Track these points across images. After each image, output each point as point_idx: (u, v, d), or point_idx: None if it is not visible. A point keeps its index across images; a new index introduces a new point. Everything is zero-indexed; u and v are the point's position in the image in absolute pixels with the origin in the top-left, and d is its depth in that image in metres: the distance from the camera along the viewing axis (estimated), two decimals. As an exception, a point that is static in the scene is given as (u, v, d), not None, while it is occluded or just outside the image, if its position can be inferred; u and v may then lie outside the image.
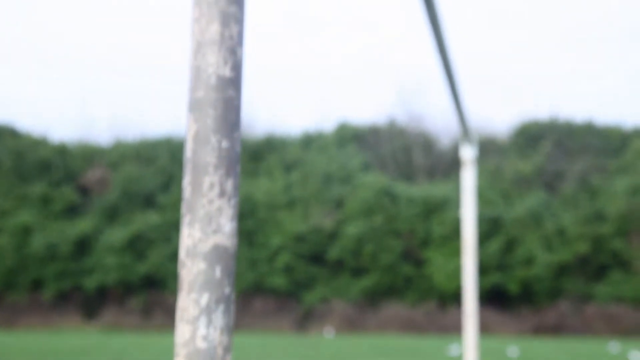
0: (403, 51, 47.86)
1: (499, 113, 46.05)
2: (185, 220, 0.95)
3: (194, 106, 0.96)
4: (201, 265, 0.93)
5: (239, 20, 0.99)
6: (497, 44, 47.48)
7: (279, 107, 46.42)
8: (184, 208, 0.95)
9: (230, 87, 0.97)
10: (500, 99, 44.64)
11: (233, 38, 0.98)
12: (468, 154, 5.38)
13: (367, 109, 47.51)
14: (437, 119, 34.00)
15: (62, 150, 34.06)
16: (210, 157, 0.95)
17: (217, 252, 0.94)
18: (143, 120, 48.95)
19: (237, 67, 0.98)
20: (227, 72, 0.97)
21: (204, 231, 0.94)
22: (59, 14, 48.98)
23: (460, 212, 5.91)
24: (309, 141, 33.51)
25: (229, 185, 0.96)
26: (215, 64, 0.96)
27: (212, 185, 0.94)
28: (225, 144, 0.95)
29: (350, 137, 33.31)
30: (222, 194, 0.95)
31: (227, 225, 0.95)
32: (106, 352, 15.78)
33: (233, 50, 0.98)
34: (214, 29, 0.97)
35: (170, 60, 50.36)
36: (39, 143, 34.25)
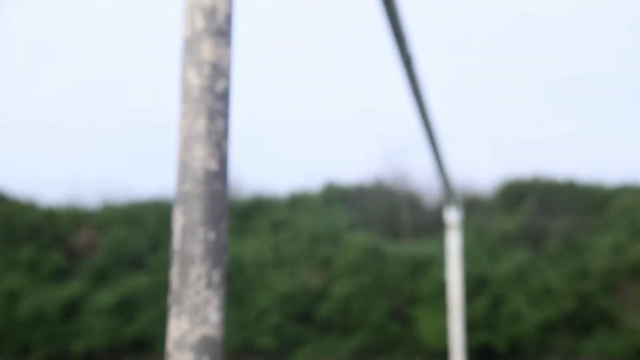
0: (389, 110, 48.59)
1: (483, 172, 46.65)
2: (173, 312, 0.98)
3: (181, 199, 1.01)
4: (188, 356, 0.96)
5: (225, 115, 1.06)
6: (478, 103, 48.32)
7: (266, 167, 46.87)
8: (171, 299, 0.99)
9: (217, 180, 1.00)
10: (483, 159, 45.28)
11: (219, 132, 1.04)
12: (453, 217, 5.70)
13: (354, 169, 48.00)
14: (423, 178, 34.48)
15: (50, 215, 34.21)
16: (197, 249, 0.99)
17: (204, 343, 0.96)
18: (131, 182, 49.23)
19: (223, 160, 1.03)
20: (213, 165, 1.01)
21: (192, 322, 0.97)
22: (44, 78, 49.54)
23: (446, 274, 6.14)
24: (296, 201, 33.86)
25: (216, 276, 0.98)
26: (201, 158, 1.02)
27: (199, 277, 0.98)
28: (211, 235, 0.99)
29: (337, 196, 33.70)
30: (209, 284, 0.98)
31: (214, 316, 0.98)
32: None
33: (219, 144, 1.03)
34: (201, 123, 1.04)
35: (157, 121, 50.85)
36: (27, 208, 34.40)
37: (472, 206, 32.60)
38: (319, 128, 48.22)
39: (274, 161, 46.77)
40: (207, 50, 1.15)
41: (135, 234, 32.88)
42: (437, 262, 29.82)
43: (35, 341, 30.50)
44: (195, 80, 1.14)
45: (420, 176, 34.23)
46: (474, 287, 28.12)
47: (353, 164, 48.63)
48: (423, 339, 28.62)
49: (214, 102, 1.08)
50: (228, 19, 1.17)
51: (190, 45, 1.15)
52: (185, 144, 1.05)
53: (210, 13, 1.16)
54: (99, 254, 32.50)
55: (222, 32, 1.16)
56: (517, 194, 32.79)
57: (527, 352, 28.37)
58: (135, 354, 30.42)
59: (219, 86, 1.14)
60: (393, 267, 30.15)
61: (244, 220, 33.38)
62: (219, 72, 1.15)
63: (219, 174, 1.02)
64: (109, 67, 51.10)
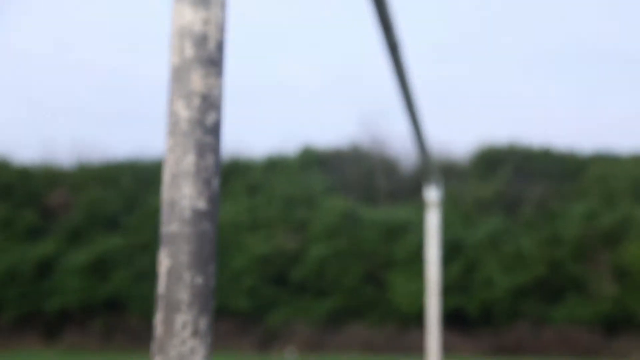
0: (367, 74, 48.46)
1: (458, 138, 46.79)
2: (157, 362, 0.90)
3: (168, 240, 0.95)
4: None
5: (215, 150, 0.99)
6: (456, 68, 48.28)
7: (243, 130, 46.65)
8: (155, 347, 0.92)
9: (205, 220, 0.95)
10: (459, 125, 45.37)
11: (209, 169, 0.98)
12: (433, 195, 5.69)
13: (331, 133, 47.91)
14: (400, 143, 34.50)
15: (24, 173, 33.90)
16: (183, 294, 0.93)
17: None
18: (106, 142, 48.85)
19: (212, 199, 0.97)
20: (202, 204, 0.95)
21: (177, 372, 0.89)
22: (18, 30, 48.71)
23: (422, 239, 6.16)
24: (273, 164, 33.80)
25: (203, 323, 0.93)
26: (189, 197, 0.95)
27: (185, 325, 0.92)
28: (199, 280, 0.93)
29: (313, 160, 33.67)
30: (195, 333, 0.92)
31: (200, 366, 0.92)
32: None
33: (208, 182, 0.97)
34: (189, 159, 0.97)
35: (134, 81, 50.37)
36: (1, 166, 34.05)
37: (448, 172, 32.73)
38: (297, 92, 47.99)
39: (252, 123, 46.57)
40: (197, 80, 1.09)
41: (111, 195, 32.72)
42: (412, 227, 29.99)
43: (8, 300, 30.41)
44: (184, 112, 1.07)
45: (398, 141, 34.26)
46: (448, 252, 28.35)
47: (330, 128, 48.58)
48: (397, 302, 28.90)
49: (204, 136, 1.02)
50: (219, 47, 1.11)
51: (179, 75, 1.09)
52: (173, 182, 0.99)
53: (201, 41, 1.10)
54: (74, 214, 32.32)
55: (213, 61, 1.10)
56: (493, 161, 32.96)
57: (499, 317, 28.77)
58: (109, 314, 30.47)
59: (210, 119, 1.07)
60: (368, 232, 30.30)
61: (220, 184, 33.09)
62: (210, 104, 1.09)
63: (208, 214, 0.97)
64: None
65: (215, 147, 1.02)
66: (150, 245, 31.23)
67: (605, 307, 28.47)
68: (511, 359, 26.48)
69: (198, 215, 0.96)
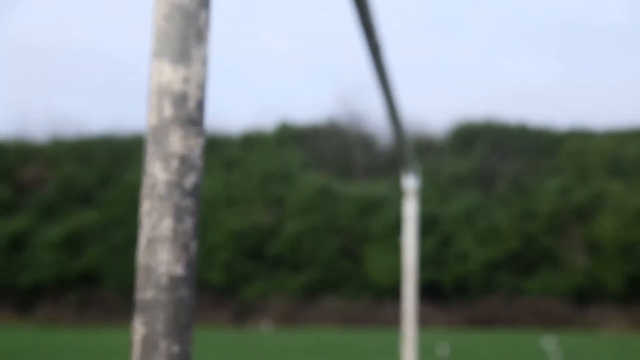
0: (343, 51, 48.26)
1: (436, 115, 46.82)
2: None
3: (142, 308, 0.91)
4: None
5: (194, 213, 0.95)
6: (432, 46, 48.25)
7: (220, 106, 46.38)
8: None
9: (183, 286, 0.92)
10: (437, 101, 45.43)
11: (187, 233, 0.93)
12: (410, 184, 5.65)
13: (308, 109, 47.80)
14: (377, 119, 34.49)
15: (-4, 147, 33.51)
16: None
17: None
18: (81, 117, 48.32)
19: (190, 264, 0.93)
20: (179, 270, 0.92)
21: None
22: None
23: (401, 239, 6.14)
24: (250, 140, 33.63)
25: None
26: (166, 262, 0.92)
27: None
28: (175, 348, 0.89)
29: (290, 136, 33.55)
30: None
31: None
32: (42, 351, 15.71)
33: (186, 246, 0.93)
34: (167, 224, 0.93)
35: (110, 56, 49.81)
36: (-27, 139, 33.64)
37: (425, 148, 32.79)
38: (274, 68, 47.73)
39: (228, 98, 46.27)
40: (176, 142, 1.02)
41: (85, 170, 32.43)
42: (388, 202, 30.07)
43: (-19, 275, 30.21)
44: (162, 175, 1.00)
45: (375, 117, 34.23)
46: (424, 227, 28.50)
47: (308, 105, 48.37)
48: (372, 276, 29.04)
49: (182, 199, 0.96)
50: (200, 106, 1.05)
51: (157, 136, 1.03)
52: (149, 247, 0.94)
53: (181, 100, 1.03)
54: (48, 189, 32.02)
55: (193, 121, 1.04)
56: (469, 137, 33.04)
57: (473, 290, 29.04)
58: (83, 288, 30.32)
59: (188, 181, 1.00)
60: (344, 207, 30.33)
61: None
62: (189, 165, 1.02)
63: (186, 280, 0.93)
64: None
65: (194, 210, 0.96)
66: (124, 220, 31.06)
67: (577, 279, 28.84)
68: (485, 330, 26.77)
69: (175, 281, 0.92)
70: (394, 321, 25.77)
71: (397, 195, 28.91)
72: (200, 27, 1.04)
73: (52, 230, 30.85)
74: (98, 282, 30.51)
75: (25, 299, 30.58)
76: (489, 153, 32.28)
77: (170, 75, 1.04)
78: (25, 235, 31.11)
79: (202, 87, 1.06)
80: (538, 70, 47.16)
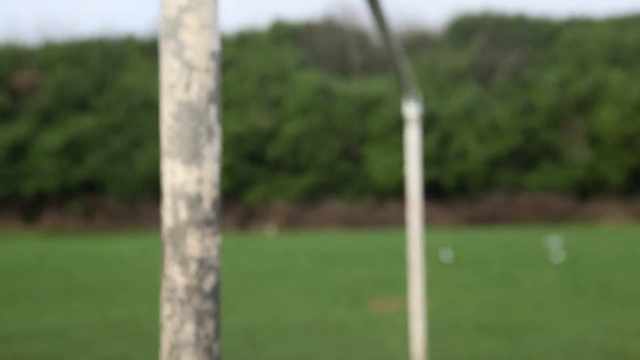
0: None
1: (432, 7, 45.96)
2: None
3: None
4: None
5: (215, 314, 0.95)
6: None
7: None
8: None
9: None
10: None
11: (209, 336, 0.94)
12: (412, 112, 5.57)
13: (302, 6, 46.89)
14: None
15: (-13, 55, 33.07)
16: None
17: None
18: (72, 20, 47.45)
19: None
20: None
21: None
22: None
23: (405, 169, 6.10)
24: (244, 39, 33.12)
25: None
26: None
27: None
28: None
29: (285, 34, 33.02)
30: None
31: None
32: (51, 261, 15.96)
33: (209, 349, 0.94)
34: (188, 329, 0.94)
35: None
36: (-37, 47, 33.17)
37: (422, 42, 32.36)
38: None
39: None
40: (193, 244, 0.99)
41: (79, 74, 32.08)
42: (386, 100, 29.88)
43: (-17, 185, 30.36)
44: (181, 279, 0.97)
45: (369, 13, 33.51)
46: (423, 125, 28.44)
47: (301, 1, 47.37)
48: (373, 177, 29.16)
49: (203, 302, 0.95)
50: (215, 205, 1.01)
51: (174, 238, 0.99)
52: (172, 353, 0.94)
53: (196, 202, 0.99)
54: (43, 95, 31.76)
55: (208, 222, 1.00)
56: (467, 30, 32.52)
57: (474, 187, 29.21)
58: (86, 195, 30.52)
59: (207, 283, 0.97)
60: (343, 107, 30.15)
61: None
62: (207, 267, 0.98)
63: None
64: None
65: (214, 312, 0.96)
66: (123, 125, 30.98)
67: (578, 173, 28.97)
68: (487, 228, 27.10)
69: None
70: (397, 221, 26.06)
71: (396, 92, 28.69)
72: (211, 124, 0.98)
73: (51, 137, 30.80)
74: (101, 189, 30.69)
75: (29, 208, 30.83)
76: (487, 46, 31.85)
77: (184, 176, 0.98)
78: (25, 143, 31.09)
79: (215, 185, 1.00)
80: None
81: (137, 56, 32.54)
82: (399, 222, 24.57)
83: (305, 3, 46.31)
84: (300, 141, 29.97)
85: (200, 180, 1.00)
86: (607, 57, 30.70)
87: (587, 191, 29.05)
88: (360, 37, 32.63)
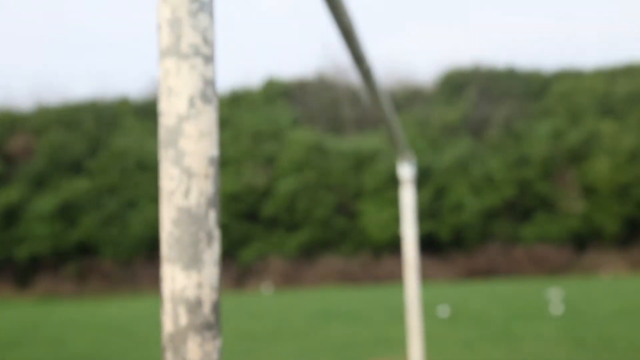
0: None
1: (424, 62, 46.53)
2: None
3: None
4: None
5: None
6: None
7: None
8: None
9: None
10: (424, 49, 45.10)
11: None
12: (406, 173, 5.60)
13: (294, 64, 47.41)
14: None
15: (-18, 120, 33.21)
16: None
17: None
18: (65, 83, 47.80)
19: None
20: None
21: None
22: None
23: (400, 229, 6.09)
24: (237, 98, 33.39)
25: None
26: None
27: None
28: None
29: (278, 92, 33.32)
30: None
31: None
32: (43, 326, 15.77)
33: None
34: None
35: (89, 20, 49.16)
36: (-43, 113, 33.33)
37: (414, 97, 32.67)
38: (257, 23, 47.18)
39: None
40: (194, 349, 0.99)
41: (73, 137, 32.21)
42: (380, 155, 30.03)
43: (-22, 250, 30.20)
44: None
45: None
46: (418, 179, 28.54)
47: (293, 60, 47.88)
48: (368, 232, 29.12)
49: None
50: (215, 308, 1.01)
51: (175, 345, 0.99)
52: None
53: (195, 306, 0.99)
54: (37, 159, 31.82)
55: (208, 326, 1.00)
56: (458, 84, 32.87)
57: (470, 240, 29.17)
58: (81, 259, 30.36)
59: None
60: (337, 163, 30.27)
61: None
62: (209, 372, 1.00)
63: None
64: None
65: None
66: (117, 187, 30.99)
67: (573, 224, 28.97)
68: (484, 280, 26.98)
69: None
70: (392, 276, 25.96)
71: (390, 147, 28.86)
72: (210, 229, 0.98)
73: (44, 201, 30.76)
74: (95, 252, 30.55)
75: (23, 273, 30.63)
76: (479, 99, 32.15)
77: (184, 282, 0.98)
78: (18, 208, 31.03)
79: (215, 288, 1.00)
80: (525, 10, 46.81)
81: (131, 117, 32.74)
82: (395, 275, 24.47)
83: (297, 61, 46.83)
84: (294, 198, 30.00)
85: (200, 285, 0.99)
86: (598, 108, 31.00)
87: (584, 242, 29.04)
88: (352, 94, 32.93)
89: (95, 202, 30.88)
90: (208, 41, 0.91)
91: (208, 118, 0.96)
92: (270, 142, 31.20)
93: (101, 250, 30.36)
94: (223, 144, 31.17)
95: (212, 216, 1.00)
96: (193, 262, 1.01)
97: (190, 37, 0.90)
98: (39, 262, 30.63)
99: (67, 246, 30.40)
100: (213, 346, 1.01)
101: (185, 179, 0.98)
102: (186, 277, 1.01)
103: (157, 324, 15.19)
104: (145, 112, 32.46)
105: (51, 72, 47.96)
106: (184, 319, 1.00)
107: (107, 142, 32.10)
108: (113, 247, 30.04)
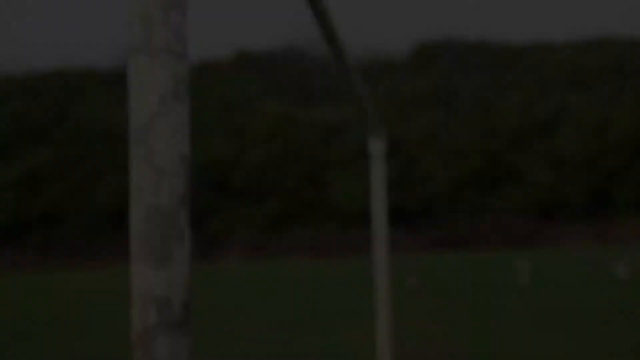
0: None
1: (395, 34, 46.35)
2: None
3: None
4: None
5: None
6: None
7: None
8: None
9: None
10: (396, 20, 44.99)
11: None
12: (377, 148, 5.56)
13: (265, 35, 47.10)
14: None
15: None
16: None
17: None
18: (31, 53, 46.78)
19: None
20: None
21: None
22: None
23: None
24: (207, 69, 33.10)
25: None
26: None
27: None
28: None
29: (248, 63, 33.07)
30: None
31: None
32: (7, 297, 15.59)
33: None
34: None
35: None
36: None
37: (385, 68, 32.58)
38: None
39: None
40: (163, 348, 0.98)
41: (38, 107, 31.71)
42: (350, 126, 29.96)
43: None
44: None
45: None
46: (387, 150, 28.54)
47: (264, 31, 47.30)
48: (337, 203, 29.14)
49: None
50: (185, 308, 1.00)
51: (144, 343, 0.98)
52: None
53: (165, 305, 0.98)
54: (1, 127, 31.27)
55: (178, 324, 0.99)
56: (430, 55, 32.89)
57: (438, 210, 29.35)
58: (45, 228, 30.05)
59: None
60: (307, 134, 30.20)
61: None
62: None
63: None
64: None
65: None
66: (82, 157, 30.68)
67: (539, 193, 29.30)
68: (452, 251, 27.18)
69: None
70: (360, 248, 26.02)
71: (359, 120, 28.78)
72: (182, 226, 0.97)
73: (8, 171, 30.52)
74: (60, 221, 30.37)
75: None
76: (450, 71, 32.23)
77: (153, 279, 0.97)
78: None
79: (186, 287, 0.99)
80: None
81: (98, 87, 32.42)
82: (364, 246, 24.60)
83: (268, 33, 46.45)
84: (263, 169, 29.99)
85: (169, 284, 0.98)
86: (568, 81, 31.25)
87: (551, 212, 29.41)
88: (322, 66, 32.70)
89: (59, 172, 30.62)
90: (180, 38, 0.89)
91: (180, 116, 0.95)
92: (240, 113, 31.05)
93: (66, 219, 30.15)
94: (192, 115, 30.90)
95: (183, 215, 0.99)
96: (163, 260, 1.00)
97: (162, 34, 0.88)
98: (2, 232, 30.38)
99: (32, 216, 30.14)
100: (183, 345, 1.00)
101: (156, 177, 0.96)
102: (156, 275, 0.99)
103: (119, 296, 15.15)
104: (112, 82, 32.15)
105: (16, 41, 47.06)
106: (153, 318, 0.99)
107: (73, 112, 31.75)
108: (78, 218, 29.89)
